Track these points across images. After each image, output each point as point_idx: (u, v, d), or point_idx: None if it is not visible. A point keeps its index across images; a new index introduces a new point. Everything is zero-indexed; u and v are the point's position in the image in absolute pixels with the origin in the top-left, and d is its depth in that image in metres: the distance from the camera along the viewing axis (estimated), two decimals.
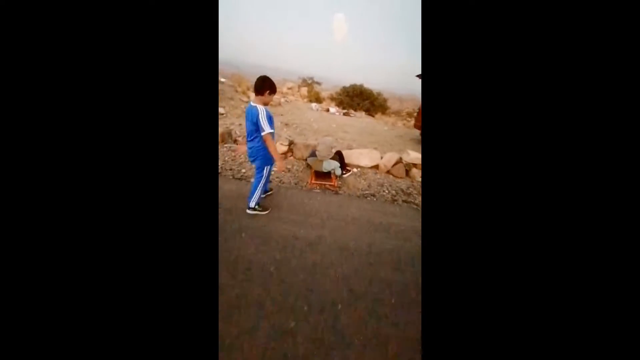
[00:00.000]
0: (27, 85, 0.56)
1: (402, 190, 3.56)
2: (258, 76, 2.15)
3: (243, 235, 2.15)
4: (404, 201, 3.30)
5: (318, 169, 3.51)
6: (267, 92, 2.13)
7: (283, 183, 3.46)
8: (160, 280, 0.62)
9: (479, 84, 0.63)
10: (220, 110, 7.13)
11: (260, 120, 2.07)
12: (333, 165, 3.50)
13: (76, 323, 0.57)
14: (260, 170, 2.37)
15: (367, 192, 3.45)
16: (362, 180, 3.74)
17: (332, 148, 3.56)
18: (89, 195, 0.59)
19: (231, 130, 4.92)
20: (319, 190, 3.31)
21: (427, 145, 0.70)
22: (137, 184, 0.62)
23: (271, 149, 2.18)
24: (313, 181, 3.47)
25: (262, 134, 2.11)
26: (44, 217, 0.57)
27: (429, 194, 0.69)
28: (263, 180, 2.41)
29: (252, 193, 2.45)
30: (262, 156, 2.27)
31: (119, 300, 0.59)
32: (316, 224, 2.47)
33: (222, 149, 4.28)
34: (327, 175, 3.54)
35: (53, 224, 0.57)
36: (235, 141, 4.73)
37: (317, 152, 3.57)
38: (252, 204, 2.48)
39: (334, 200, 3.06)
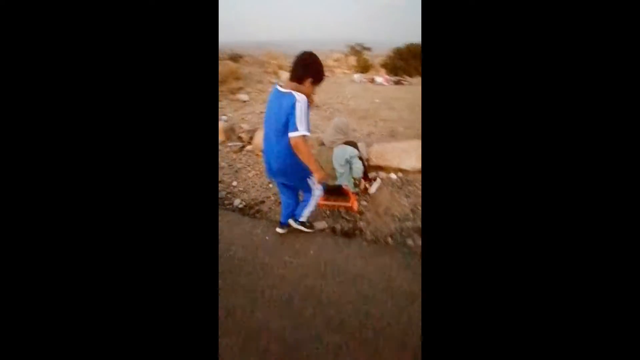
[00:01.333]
0: (18, 75, 0.55)
1: None
2: (302, 52, 1.52)
3: None
4: None
5: (326, 163, 2.21)
6: (310, 80, 1.50)
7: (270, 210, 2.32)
8: (157, 282, 0.60)
9: (482, 81, 0.60)
10: (244, 97, 6.19)
11: (296, 115, 1.42)
12: (349, 153, 2.13)
13: (76, 324, 0.56)
14: (306, 187, 1.78)
15: (408, 222, 2.05)
16: (403, 197, 2.32)
17: (344, 130, 2.21)
18: (79, 194, 0.58)
19: (234, 124, 3.92)
20: (325, 225, 2.06)
21: (427, 148, 0.68)
22: (129, 181, 0.60)
23: (304, 157, 1.52)
24: (320, 201, 2.24)
25: (292, 135, 1.45)
26: (42, 216, 0.56)
27: (429, 194, 0.67)
28: (317, 198, 1.86)
29: (305, 205, 1.90)
30: (295, 164, 1.58)
31: (117, 301, 0.58)
32: None
33: (223, 151, 3.31)
34: (339, 191, 2.24)
35: (51, 222, 0.56)
36: (239, 138, 3.73)
37: (323, 140, 2.34)
38: (303, 217, 1.93)
39: (338, 259, 1.77)
